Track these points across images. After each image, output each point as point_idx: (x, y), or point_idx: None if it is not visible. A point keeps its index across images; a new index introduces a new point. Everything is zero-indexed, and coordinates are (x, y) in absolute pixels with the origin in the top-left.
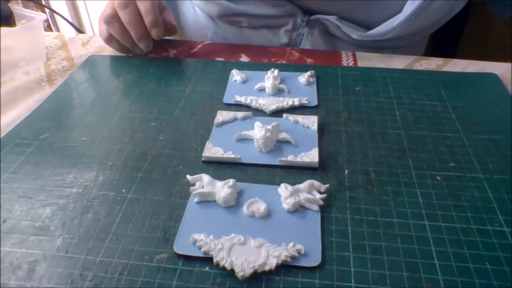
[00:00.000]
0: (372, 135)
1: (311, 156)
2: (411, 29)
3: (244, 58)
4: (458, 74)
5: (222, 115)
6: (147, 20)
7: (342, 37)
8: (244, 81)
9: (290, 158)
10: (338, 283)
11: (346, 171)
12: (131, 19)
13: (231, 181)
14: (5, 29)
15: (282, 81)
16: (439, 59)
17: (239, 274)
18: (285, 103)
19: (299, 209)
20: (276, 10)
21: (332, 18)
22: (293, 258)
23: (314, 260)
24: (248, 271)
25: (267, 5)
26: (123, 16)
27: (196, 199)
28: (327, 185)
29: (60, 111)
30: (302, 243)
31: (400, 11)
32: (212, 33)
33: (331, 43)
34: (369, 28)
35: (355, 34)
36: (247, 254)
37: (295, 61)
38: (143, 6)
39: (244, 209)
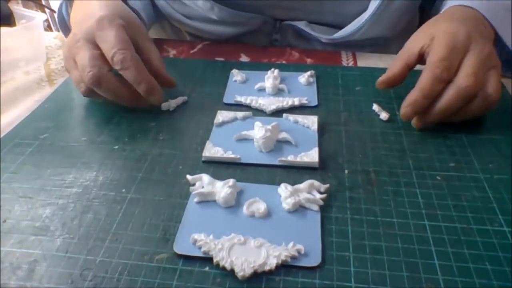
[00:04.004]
0: (372, 135)
1: (311, 156)
2: (378, 27)
3: (244, 58)
4: None
5: (222, 115)
6: (140, 89)
7: (315, 39)
8: (244, 81)
9: (290, 158)
10: (338, 283)
11: (346, 171)
12: (113, 95)
13: (231, 181)
14: (5, 29)
15: (282, 81)
16: None
17: (239, 274)
18: (285, 103)
19: (299, 209)
20: (247, 26)
21: (301, 24)
22: (293, 258)
23: (314, 260)
24: (248, 271)
25: (239, 18)
26: (102, 93)
27: (196, 199)
28: (327, 185)
29: (60, 111)
30: (302, 243)
31: (366, 9)
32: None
33: (305, 45)
34: (339, 27)
35: (324, 38)
36: (247, 254)
37: (295, 61)
38: (130, 75)
39: (244, 209)
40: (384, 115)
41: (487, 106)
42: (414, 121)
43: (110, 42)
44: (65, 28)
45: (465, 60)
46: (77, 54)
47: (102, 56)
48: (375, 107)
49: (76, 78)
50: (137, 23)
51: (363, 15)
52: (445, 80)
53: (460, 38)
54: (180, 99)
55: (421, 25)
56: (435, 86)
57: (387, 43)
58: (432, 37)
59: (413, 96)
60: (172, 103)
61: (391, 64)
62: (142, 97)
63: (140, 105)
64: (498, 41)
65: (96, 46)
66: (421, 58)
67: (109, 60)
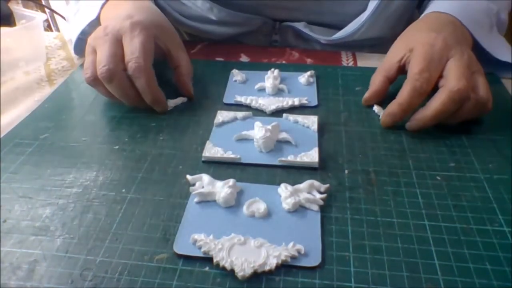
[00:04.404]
0: (372, 135)
1: (311, 156)
2: (378, 27)
3: (244, 58)
4: None
5: (222, 115)
6: (147, 99)
7: (315, 40)
8: (244, 81)
9: (290, 158)
10: (338, 283)
11: (346, 171)
12: (120, 93)
13: (231, 181)
14: (5, 29)
15: (282, 81)
16: None
17: (239, 274)
18: (285, 103)
19: (299, 209)
20: (246, 27)
21: (300, 25)
22: (293, 258)
23: (314, 260)
24: (248, 271)
25: (238, 19)
26: (110, 89)
27: (196, 199)
28: (327, 185)
29: (60, 111)
30: (302, 243)
31: (365, 10)
32: None
33: (305, 46)
34: (339, 28)
35: (323, 39)
36: (247, 254)
37: (295, 61)
38: (139, 84)
39: (244, 209)
40: None
41: (480, 108)
42: (407, 127)
43: (133, 47)
44: (81, 50)
45: (448, 67)
46: (100, 45)
47: (122, 55)
48: (375, 107)
49: (87, 63)
50: (172, 31)
51: (362, 15)
52: (425, 92)
53: (437, 48)
54: (179, 100)
55: None
56: (414, 99)
57: (387, 43)
58: (410, 48)
59: (393, 107)
60: (170, 103)
61: (372, 78)
62: (142, 104)
63: (142, 107)
64: (476, 46)
65: (120, 45)
66: (401, 70)
67: (126, 63)
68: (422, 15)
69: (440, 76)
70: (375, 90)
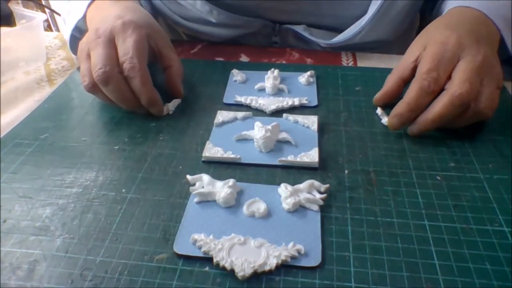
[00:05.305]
0: (372, 135)
1: (311, 156)
2: (378, 30)
3: (244, 58)
4: None
5: (222, 115)
6: (142, 100)
7: (314, 42)
8: (244, 81)
9: (290, 158)
10: (338, 283)
11: (346, 171)
12: (117, 96)
13: (231, 181)
14: (5, 29)
15: (282, 81)
16: None
17: (239, 274)
18: (285, 103)
19: (299, 209)
20: (245, 29)
21: (300, 28)
22: (293, 258)
23: (314, 260)
24: (248, 271)
25: (238, 21)
26: (106, 92)
27: (196, 199)
28: (327, 185)
29: (60, 111)
30: (302, 243)
31: (365, 12)
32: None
33: (305, 47)
34: (339, 31)
35: (323, 42)
36: (247, 254)
37: (295, 61)
38: (134, 84)
39: (244, 209)
40: (386, 120)
41: (478, 118)
42: (409, 131)
43: (126, 47)
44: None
45: (457, 68)
46: (94, 49)
47: (116, 56)
48: (379, 110)
49: (83, 71)
50: (162, 32)
51: (362, 18)
52: (433, 92)
53: (449, 47)
54: (176, 101)
55: (421, 27)
56: (422, 99)
57: (388, 45)
58: (425, 47)
59: (400, 108)
60: (170, 107)
61: (387, 79)
62: (143, 105)
63: (140, 111)
64: (501, 41)
65: (114, 46)
66: (416, 70)
67: (120, 64)
68: (446, 10)
69: (449, 77)
70: (386, 90)
